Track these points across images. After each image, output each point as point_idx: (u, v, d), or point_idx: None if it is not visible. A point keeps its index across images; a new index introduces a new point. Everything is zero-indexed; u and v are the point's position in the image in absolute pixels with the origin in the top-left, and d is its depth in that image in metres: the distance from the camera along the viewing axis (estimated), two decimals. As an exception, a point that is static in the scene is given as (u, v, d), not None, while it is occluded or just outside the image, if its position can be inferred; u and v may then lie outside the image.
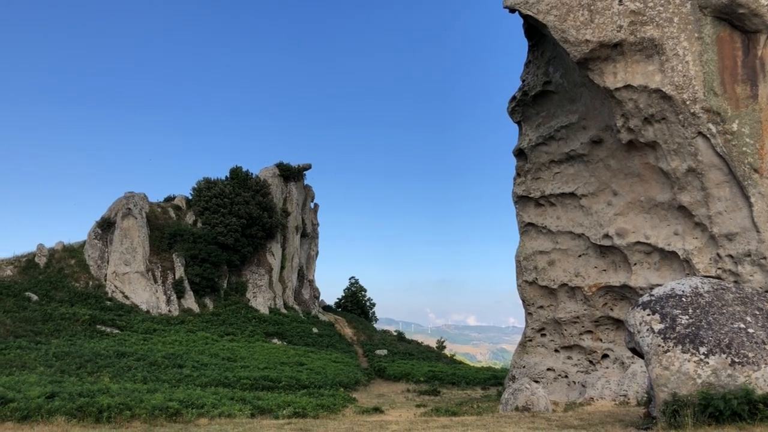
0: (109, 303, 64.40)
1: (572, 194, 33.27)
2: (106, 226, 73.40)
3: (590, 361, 32.32)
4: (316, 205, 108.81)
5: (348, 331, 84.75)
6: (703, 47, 26.35)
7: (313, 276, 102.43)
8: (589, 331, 32.78)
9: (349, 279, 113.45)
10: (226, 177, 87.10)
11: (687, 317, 14.64)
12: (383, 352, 74.30)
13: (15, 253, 71.25)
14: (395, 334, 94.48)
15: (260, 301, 78.54)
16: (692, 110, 26.18)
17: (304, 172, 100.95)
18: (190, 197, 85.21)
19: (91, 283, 67.86)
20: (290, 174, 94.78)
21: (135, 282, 68.57)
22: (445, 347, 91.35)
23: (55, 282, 65.41)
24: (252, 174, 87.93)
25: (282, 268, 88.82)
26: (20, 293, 59.01)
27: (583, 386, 30.94)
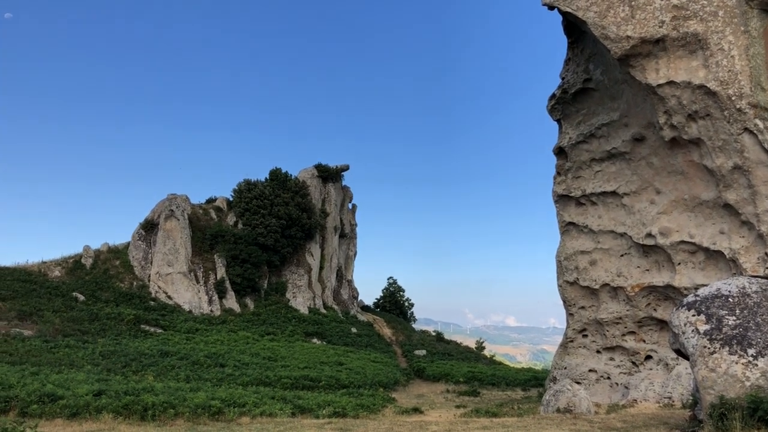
0: (152, 303, 65.74)
1: (614, 193, 32.70)
2: (149, 227, 74.93)
3: (633, 363, 31.73)
4: (354, 206, 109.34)
5: (387, 331, 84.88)
6: (749, 41, 25.61)
7: (352, 276, 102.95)
8: (632, 332, 32.19)
9: (388, 279, 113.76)
10: (266, 179, 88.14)
11: (734, 318, 14.26)
12: (422, 352, 74.22)
13: (63, 254, 73.33)
14: (434, 334, 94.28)
15: (300, 301, 79.27)
16: (738, 106, 25.46)
17: (342, 173, 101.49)
18: (231, 199, 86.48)
19: (135, 283, 69.37)
20: (328, 175, 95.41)
21: (177, 282, 69.82)
22: (484, 348, 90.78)
23: (101, 282, 67.07)
24: (291, 175, 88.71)
25: (321, 268, 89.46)
26: (68, 293, 60.72)
27: (626, 388, 30.41)
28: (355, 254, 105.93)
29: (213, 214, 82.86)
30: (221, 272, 73.34)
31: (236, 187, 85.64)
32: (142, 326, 56.37)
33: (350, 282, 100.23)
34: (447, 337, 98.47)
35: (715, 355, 13.73)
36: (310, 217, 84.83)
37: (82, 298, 60.97)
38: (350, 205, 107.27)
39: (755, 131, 25.25)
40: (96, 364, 36.27)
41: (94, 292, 63.80)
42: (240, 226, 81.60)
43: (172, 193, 78.12)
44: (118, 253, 74.15)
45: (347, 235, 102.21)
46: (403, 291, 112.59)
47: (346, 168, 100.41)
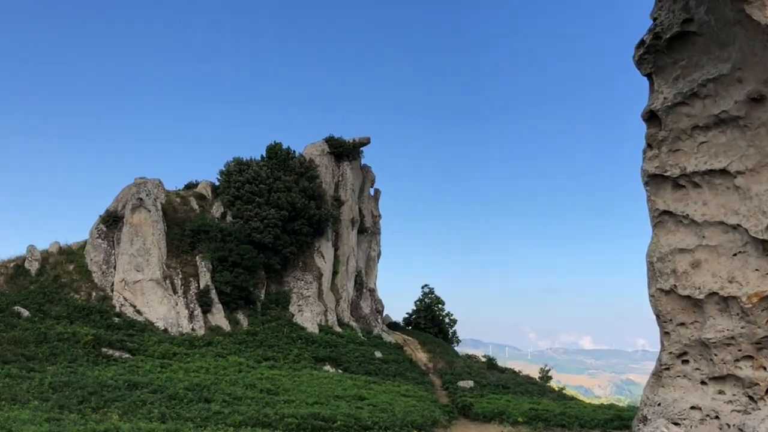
0: (117, 320, 66.44)
1: (723, 171, 32.21)
2: (112, 221, 75.71)
3: (750, 398, 31.34)
4: (377, 192, 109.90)
5: (421, 356, 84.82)
6: None
7: (375, 284, 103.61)
8: (749, 357, 31.76)
9: (422, 288, 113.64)
10: (262, 156, 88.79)
11: None
12: (468, 383, 74.16)
13: (0, 257, 73.78)
14: (484, 360, 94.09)
15: (307, 317, 79.81)
16: None
17: (361, 149, 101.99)
18: (217, 183, 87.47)
19: (94, 294, 70.08)
20: (343, 151, 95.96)
21: (149, 292, 70.61)
22: (551, 377, 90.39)
23: (51, 293, 67.75)
24: (294, 152, 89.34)
25: (334, 273, 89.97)
26: (7, 307, 60.96)
27: (741, 430, 30.05)
28: (378, 255, 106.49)
29: (194, 204, 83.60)
30: (205, 279, 73.94)
31: (224, 169, 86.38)
32: (104, 350, 56.94)
33: (373, 292, 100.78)
34: (501, 363, 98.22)
35: None
36: (320, 207, 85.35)
37: (26, 313, 61.52)
38: (372, 191, 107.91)
39: None
40: (45, 399, 36.63)
41: (42, 306, 64.35)
42: (229, 218, 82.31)
43: (141, 176, 78.78)
44: (73, 255, 74.85)
45: (368, 230, 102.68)
46: (443, 303, 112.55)
47: (366, 142, 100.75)
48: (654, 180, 44.03)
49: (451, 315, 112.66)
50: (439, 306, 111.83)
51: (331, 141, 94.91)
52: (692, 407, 40.71)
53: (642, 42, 44.01)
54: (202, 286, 73.59)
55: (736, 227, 39.20)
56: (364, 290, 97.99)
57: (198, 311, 71.69)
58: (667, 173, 43.53)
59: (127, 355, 57.52)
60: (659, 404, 42.62)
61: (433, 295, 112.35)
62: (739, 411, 37.48)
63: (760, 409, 36.17)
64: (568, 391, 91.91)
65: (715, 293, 39.85)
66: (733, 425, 37.27)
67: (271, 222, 79.92)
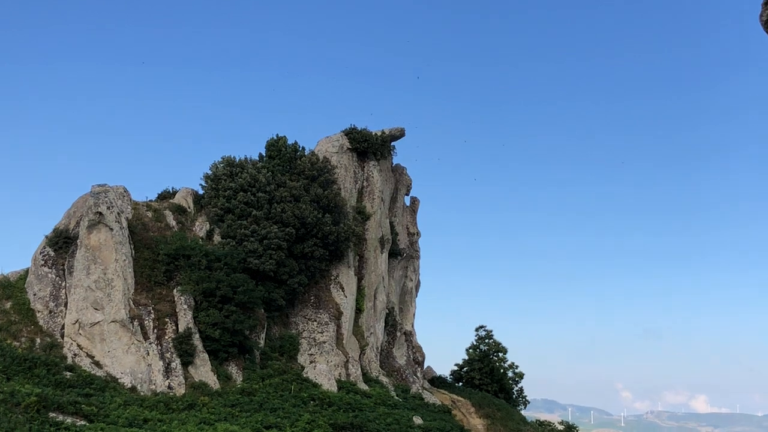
0: (69, 374, 66.03)
1: None
2: (62, 243, 75.69)
3: None
4: (414, 201, 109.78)
5: (476, 423, 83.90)
6: None
7: (412, 325, 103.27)
8: None
9: (477, 331, 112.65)
10: (261, 156, 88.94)
11: None
12: (540, 458, 73.26)
13: None
14: (561, 427, 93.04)
15: (322, 370, 79.40)
16: None
17: (392, 144, 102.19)
18: (202, 192, 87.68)
19: (39, 340, 69.91)
20: (369, 147, 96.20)
21: (111, 338, 70.41)
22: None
23: (-18, 339, 67.69)
24: (303, 149, 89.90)
25: (358, 311, 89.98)
26: (-74, 358, 61.09)
27: None
28: (416, 286, 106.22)
29: (171, 219, 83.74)
30: (186, 320, 73.62)
31: (210, 172, 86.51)
32: (52, 415, 56.46)
33: (410, 336, 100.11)
34: (586, 431, 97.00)
35: None
36: (338, 222, 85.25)
37: (-51, 366, 61.53)
38: (407, 200, 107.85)
39: None
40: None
41: (-30, 357, 64.39)
42: (217, 238, 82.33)
43: (101, 183, 78.58)
44: (10, 288, 74.75)
45: (403, 253, 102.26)
46: (504, 352, 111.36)
47: (398, 134, 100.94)
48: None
49: (516, 367, 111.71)
50: (500, 355, 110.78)
51: (352, 134, 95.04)
52: None
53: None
54: (181, 329, 73.31)
55: None
56: (398, 334, 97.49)
57: (176, 363, 71.43)
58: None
59: (82, 422, 57.05)
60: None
61: (491, 341, 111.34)
62: None
63: None
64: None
65: None
66: None
67: (272, 243, 79.66)
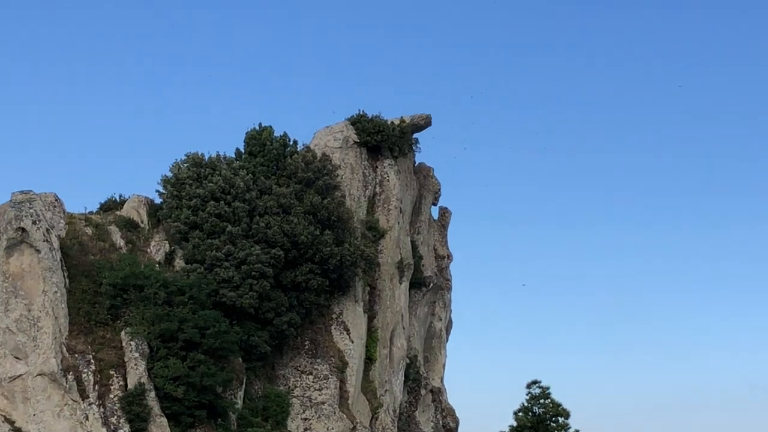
0: (-19, 445, 65.96)
1: None
2: (-29, 270, 75.44)
3: None
4: (444, 212, 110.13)
5: None
6: None
7: (442, 380, 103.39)
8: None
9: (528, 388, 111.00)
10: (238, 152, 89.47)
11: None
12: None
13: None
14: None
15: (320, 440, 79.37)
16: None
17: (415, 137, 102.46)
18: (160, 201, 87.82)
19: (-59, 399, 69.73)
20: (383, 140, 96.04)
21: (38, 396, 70.20)
22: None
23: None
24: (296, 143, 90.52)
25: (369, 360, 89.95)
26: None
27: None
28: (448, 327, 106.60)
29: (117, 237, 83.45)
30: (137, 372, 73.22)
31: (170, 175, 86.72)
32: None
33: (438, 394, 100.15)
34: None
35: None
36: (342, 241, 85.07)
37: None
38: (435, 211, 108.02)
39: None
40: None
41: None
42: (180, 262, 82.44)
43: (24, 190, 78.21)
44: None
45: (429, 283, 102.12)
46: (566, 416, 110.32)
47: (422, 123, 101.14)
48: None
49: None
50: (560, 420, 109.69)
51: (360, 122, 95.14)
52: None
53: None
54: (131, 385, 72.91)
55: None
56: (423, 391, 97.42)
57: (125, 430, 71.32)
58: None
59: None
60: None
61: (548, 401, 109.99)
62: None
63: None
64: None
65: None
66: None
67: (254, 269, 79.36)
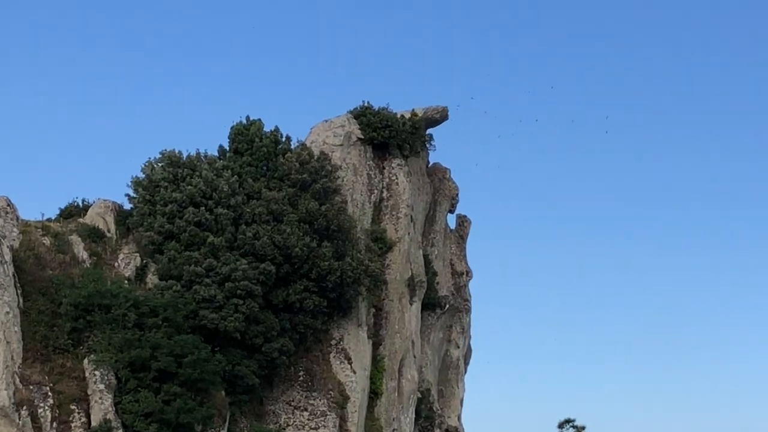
0: None
1: None
2: None
3: None
4: (462, 221, 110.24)
5: None
6: None
7: (459, 418, 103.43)
8: None
9: (560, 428, 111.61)
10: (222, 150, 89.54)
11: None
12: None
13: None
14: None
15: (316, 487, 78.90)
16: None
17: (428, 132, 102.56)
18: (128, 206, 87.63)
19: None
20: (391, 137, 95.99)
21: (-15, 436, 69.77)
22: None
23: None
24: (289, 139, 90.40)
25: (374, 394, 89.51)
26: None
27: None
28: (466, 356, 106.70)
29: (80, 248, 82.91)
30: (103, 407, 72.79)
31: (142, 176, 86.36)
32: None
33: None
34: None
35: None
36: (343, 253, 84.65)
37: None
38: (452, 219, 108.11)
39: None
40: None
41: None
42: (153, 278, 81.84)
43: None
44: None
45: (445, 304, 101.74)
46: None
47: (438, 117, 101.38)
48: None
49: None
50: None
51: (365, 115, 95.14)
52: None
53: None
54: (95, 422, 72.39)
55: None
56: (436, 430, 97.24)
57: (88, 473, 70.78)
58: None
59: None
60: None
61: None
62: None
63: None
64: None
65: None
66: None
67: (240, 287, 78.84)
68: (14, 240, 78.63)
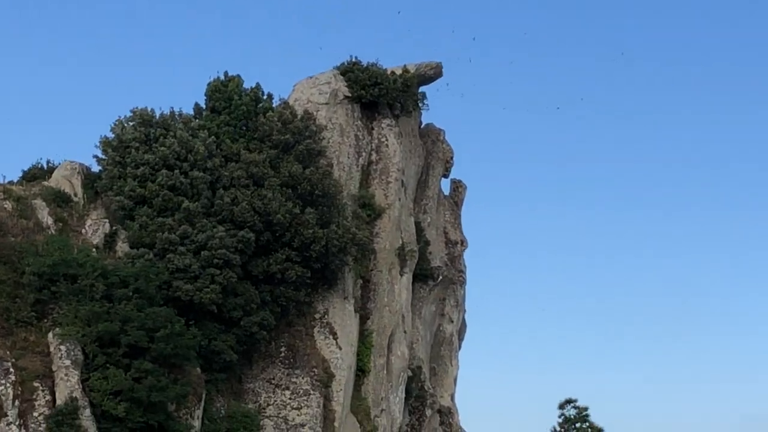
0: None
1: None
2: None
3: None
4: (457, 186, 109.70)
5: None
6: None
7: (452, 398, 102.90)
8: None
9: (561, 408, 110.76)
10: (198, 108, 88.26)
11: None
12: None
13: None
14: None
15: (299, 470, 78.02)
16: None
17: (421, 91, 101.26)
18: (97, 168, 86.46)
19: None
20: (381, 95, 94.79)
21: (-61, 415, 68.56)
22: None
23: None
24: (271, 96, 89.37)
25: (360, 372, 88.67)
26: None
27: None
28: (460, 332, 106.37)
29: (44, 214, 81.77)
30: (69, 384, 71.61)
31: (111, 136, 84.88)
32: None
33: (448, 414, 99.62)
34: None
35: None
36: (328, 220, 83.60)
37: None
38: (446, 185, 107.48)
39: None
40: None
41: None
42: (123, 246, 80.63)
43: None
44: None
45: (438, 275, 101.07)
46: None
47: (432, 74, 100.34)
48: None
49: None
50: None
51: (353, 72, 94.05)
52: None
53: None
54: (61, 401, 71.21)
55: None
56: (429, 411, 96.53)
57: (54, 455, 69.51)
58: None
59: None
60: None
61: (585, 425, 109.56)
62: None
63: None
64: None
65: None
66: None
67: (217, 255, 77.63)
68: (-27, 205, 77.37)
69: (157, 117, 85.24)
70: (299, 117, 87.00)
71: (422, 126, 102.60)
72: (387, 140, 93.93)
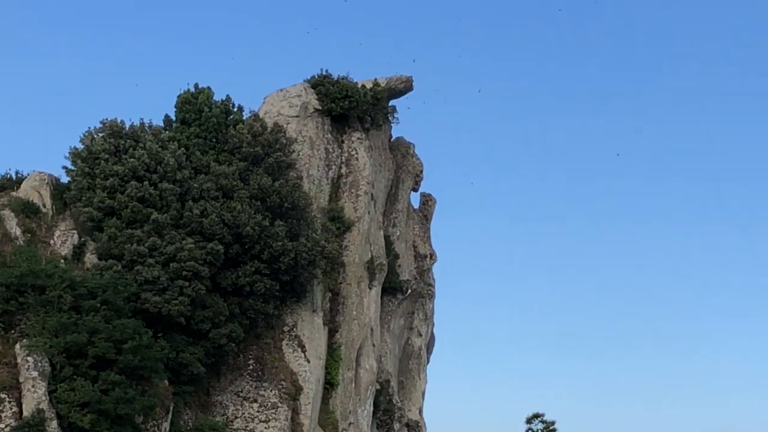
0: None
1: None
2: None
3: None
4: (427, 201, 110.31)
5: None
6: None
7: (420, 412, 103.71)
8: None
9: (528, 423, 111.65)
10: (168, 120, 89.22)
11: None
12: None
13: None
14: None
15: (264, 485, 78.71)
16: None
17: (391, 104, 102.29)
18: (66, 179, 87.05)
19: None
20: (351, 108, 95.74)
21: None
22: None
23: None
24: (241, 108, 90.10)
25: (329, 385, 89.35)
26: None
27: None
28: (429, 345, 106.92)
29: (12, 224, 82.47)
30: (36, 396, 72.38)
31: (80, 147, 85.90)
32: None
33: (416, 428, 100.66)
34: None
35: None
36: (297, 233, 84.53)
37: None
38: (416, 198, 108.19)
39: None
40: None
41: None
42: (91, 258, 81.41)
43: None
44: None
45: (407, 289, 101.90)
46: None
47: (402, 88, 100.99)
48: None
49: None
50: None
51: (323, 85, 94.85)
52: None
53: None
54: (27, 413, 71.87)
55: None
56: (397, 425, 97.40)
57: (18, 468, 70.28)
58: None
59: None
60: None
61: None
62: None
63: None
64: None
65: None
66: None
67: (185, 267, 78.54)
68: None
69: (127, 128, 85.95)
70: (269, 129, 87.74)
71: (392, 139, 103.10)
72: (357, 153, 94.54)
